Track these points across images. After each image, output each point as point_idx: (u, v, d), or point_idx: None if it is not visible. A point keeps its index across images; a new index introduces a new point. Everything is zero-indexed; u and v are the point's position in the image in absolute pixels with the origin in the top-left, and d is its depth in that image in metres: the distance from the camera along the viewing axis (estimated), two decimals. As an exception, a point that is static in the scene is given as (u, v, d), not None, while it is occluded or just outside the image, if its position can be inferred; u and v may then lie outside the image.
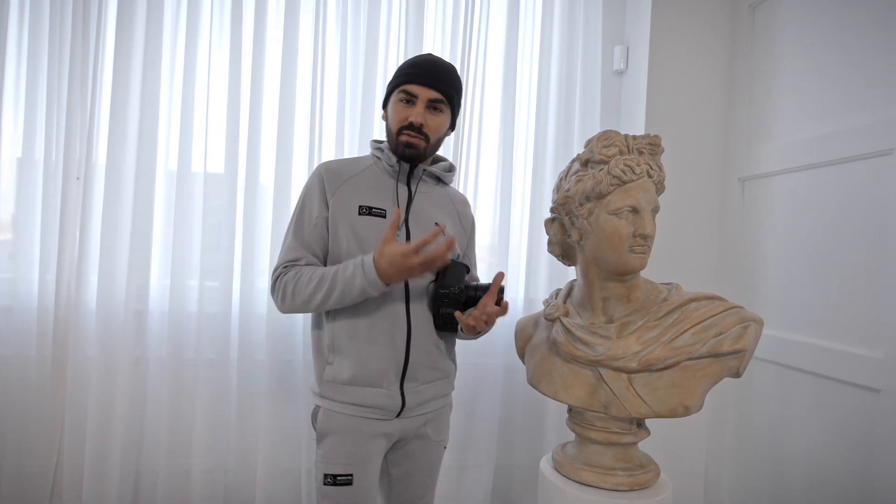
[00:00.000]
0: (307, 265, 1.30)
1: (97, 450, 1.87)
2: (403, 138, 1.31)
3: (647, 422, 1.27)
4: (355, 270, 1.20)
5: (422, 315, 1.31)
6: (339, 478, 1.26)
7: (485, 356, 2.05)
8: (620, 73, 2.23)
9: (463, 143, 2.03)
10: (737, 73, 2.07)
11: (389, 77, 2.02)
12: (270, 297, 1.34)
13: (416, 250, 1.16)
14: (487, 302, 1.26)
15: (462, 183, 2.04)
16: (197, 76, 1.94)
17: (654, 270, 1.94)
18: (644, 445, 1.29)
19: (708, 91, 2.10)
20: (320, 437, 1.32)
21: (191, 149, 1.94)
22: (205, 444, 1.94)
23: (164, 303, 1.94)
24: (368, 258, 1.20)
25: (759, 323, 1.14)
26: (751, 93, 2.01)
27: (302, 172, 1.99)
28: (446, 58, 2.06)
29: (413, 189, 1.36)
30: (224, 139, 1.95)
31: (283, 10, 1.97)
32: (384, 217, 1.30)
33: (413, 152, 1.32)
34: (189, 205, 1.95)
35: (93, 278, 1.89)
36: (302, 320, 1.96)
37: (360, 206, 1.30)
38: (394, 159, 1.35)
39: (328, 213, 1.30)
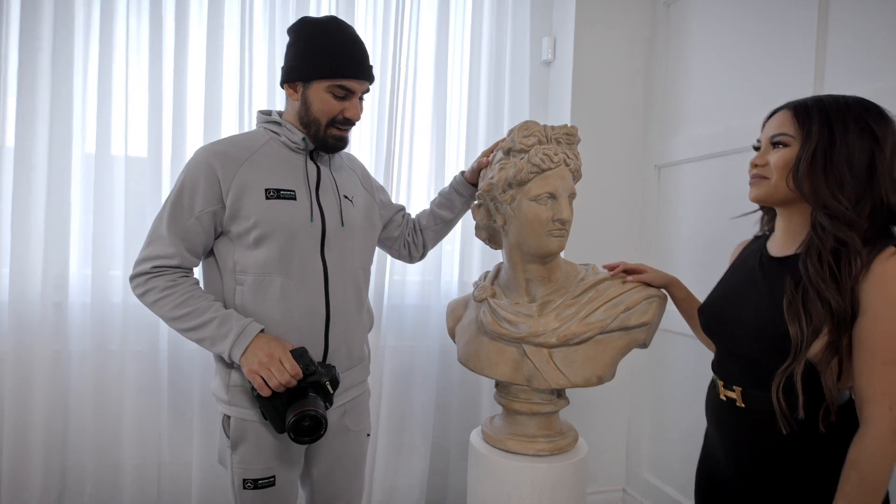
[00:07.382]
0: (181, 273, 1.21)
1: (16, 448, 1.78)
2: (334, 132, 1.25)
3: (570, 393, 1.37)
4: (230, 332, 1.14)
5: (341, 296, 1.24)
6: (260, 481, 1.19)
7: (419, 339, 2.10)
8: (548, 63, 2.32)
9: (396, 131, 2.05)
10: (653, 67, 2.20)
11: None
12: (128, 281, 1.25)
13: (295, 375, 1.11)
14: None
15: (395, 170, 2.06)
16: (115, 51, 1.84)
17: (579, 250, 2.05)
18: (577, 416, 1.39)
19: (628, 83, 2.22)
20: (234, 445, 1.20)
21: (110, 131, 1.85)
22: (135, 437, 1.89)
23: (85, 294, 1.86)
24: (253, 330, 1.14)
25: (664, 298, 1.26)
26: (665, 85, 2.16)
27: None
28: (378, 49, 2.07)
29: (320, 165, 1.29)
30: (146, 121, 1.87)
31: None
32: (294, 199, 1.21)
33: (342, 145, 1.28)
34: (109, 190, 1.87)
35: (4, 269, 1.79)
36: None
37: (266, 190, 1.19)
38: (299, 137, 1.25)
39: (220, 206, 1.18)
